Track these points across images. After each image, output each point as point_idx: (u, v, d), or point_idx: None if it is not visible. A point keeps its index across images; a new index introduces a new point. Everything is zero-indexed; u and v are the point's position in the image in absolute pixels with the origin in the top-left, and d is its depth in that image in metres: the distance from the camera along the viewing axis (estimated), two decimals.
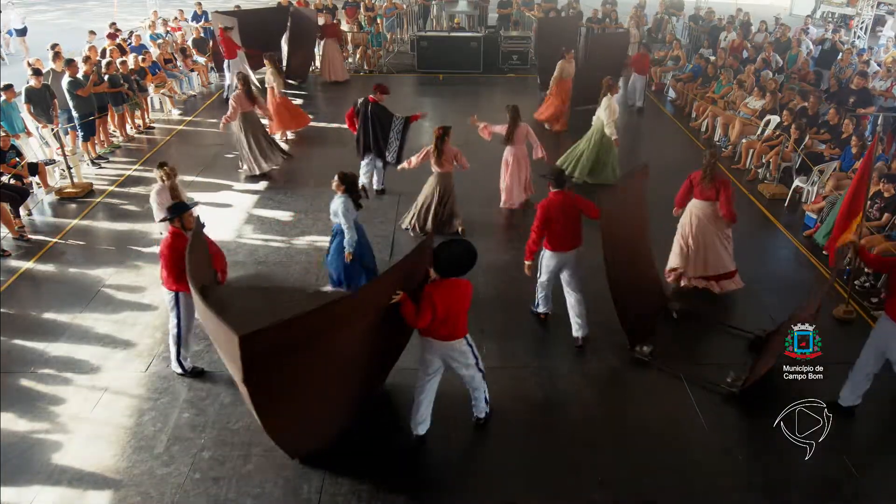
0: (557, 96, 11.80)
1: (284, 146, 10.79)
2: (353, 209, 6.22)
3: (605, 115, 9.07)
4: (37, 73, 9.46)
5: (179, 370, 5.75)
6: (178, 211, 5.37)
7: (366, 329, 4.57)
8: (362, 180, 8.78)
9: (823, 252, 7.80)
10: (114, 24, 13.94)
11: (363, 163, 9.07)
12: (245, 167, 9.77)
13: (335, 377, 4.68)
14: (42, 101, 9.46)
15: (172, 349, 5.69)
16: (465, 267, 4.67)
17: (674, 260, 7.06)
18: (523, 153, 8.60)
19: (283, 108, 11.09)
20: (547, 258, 6.12)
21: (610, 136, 9.15)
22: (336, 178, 6.21)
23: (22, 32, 16.59)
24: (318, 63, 15.43)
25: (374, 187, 9.22)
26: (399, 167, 8.43)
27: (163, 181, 6.71)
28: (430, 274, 4.72)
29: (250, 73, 13.29)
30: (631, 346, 6.07)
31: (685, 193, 6.84)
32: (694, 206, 6.83)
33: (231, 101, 9.45)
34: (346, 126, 12.12)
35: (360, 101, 8.94)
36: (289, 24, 14.52)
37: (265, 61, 11.14)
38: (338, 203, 6.19)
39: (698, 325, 6.58)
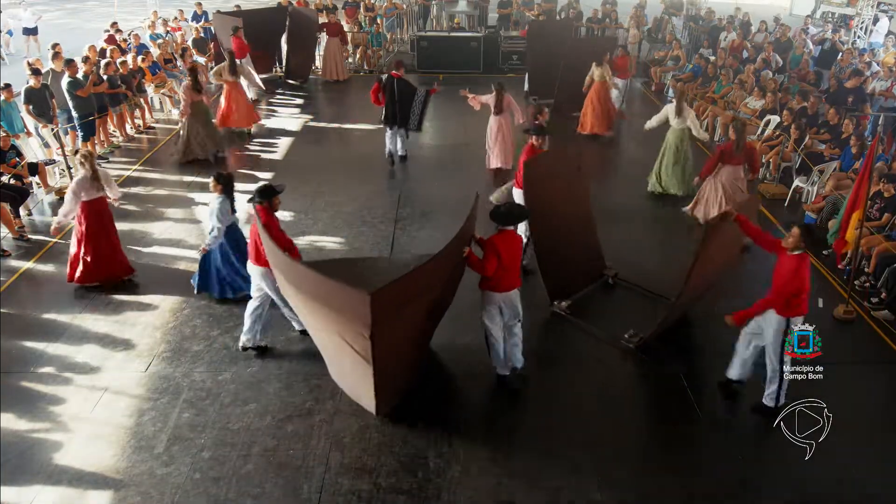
0: (596, 101, 11.54)
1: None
2: (229, 211, 6.27)
3: (693, 124, 9.19)
4: (35, 72, 9.46)
5: (298, 327, 6.09)
6: (268, 194, 5.63)
7: (438, 290, 5.14)
8: (388, 148, 10.30)
9: (824, 252, 7.80)
10: (115, 23, 13.94)
11: (388, 133, 10.18)
12: (177, 152, 10.34)
13: (417, 334, 5.33)
14: (42, 101, 9.47)
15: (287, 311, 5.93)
16: (519, 217, 5.41)
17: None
18: (507, 121, 9.77)
19: (232, 103, 11.25)
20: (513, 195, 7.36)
21: (699, 137, 9.35)
22: (212, 179, 6.29)
23: (33, 31, 16.62)
24: (318, 63, 15.44)
25: (399, 153, 10.34)
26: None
27: (82, 165, 6.70)
28: (476, 235, 5.35)
29: (254, 73, 13.34)
30: (550, 301, 6.60)
31: (713, 166, 8.11)
32: (724, 173, 8.08)
33: (182, 93, 10.26)
34: (346, 125, 12.26)
35: (385, 77, 9.93)
36: (287, 24, 14.54)
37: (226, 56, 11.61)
38: (214, 204, 6.23)
39: (630, 292, 7.11)
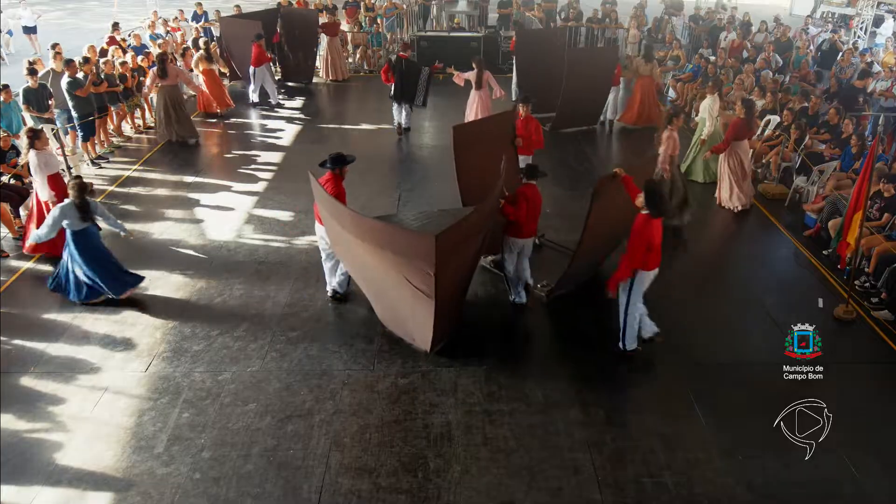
0: (638, 94, 12.10)
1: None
2: (72, 214, 6.31)
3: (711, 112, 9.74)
4: (32, 72, 9.46)
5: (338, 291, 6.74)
6: (340, 163, 6.20)
7: (478, 239, 5.90)
8: (396, 120, 11.55)
9: (824, 252, 7.81)
10: (116, 24, 13.90)
11: (395, 107, 11.47)
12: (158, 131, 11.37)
13: (463, 277, 6.05)
14: (40, 100, 9.47)
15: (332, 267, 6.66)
16: (541, 173, 6.33)
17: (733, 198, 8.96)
18: (486, 95, 10.80)
19: (210, 88, 12.39)
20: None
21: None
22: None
23: (33, 30, 16.68)
24: (318, 63, 15.40)
25: (404, 125, 11.53)
26: None
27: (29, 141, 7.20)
28: (505, 192, 6.22)
29: (271, 81, 13.22)
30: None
31: (728, 142, 8.75)
32: (738, 147, 8.78)
33: (148, 79, 11.10)
34: (346, 126, 12.39)
35: (394, 58, 11.30)
36: (279, 25, 14.45)
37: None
38: (56, 208, 6.33)
39: (556, 252, 7.64)
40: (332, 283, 6.74)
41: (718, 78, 10.74)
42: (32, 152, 7.24)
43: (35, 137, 7.26)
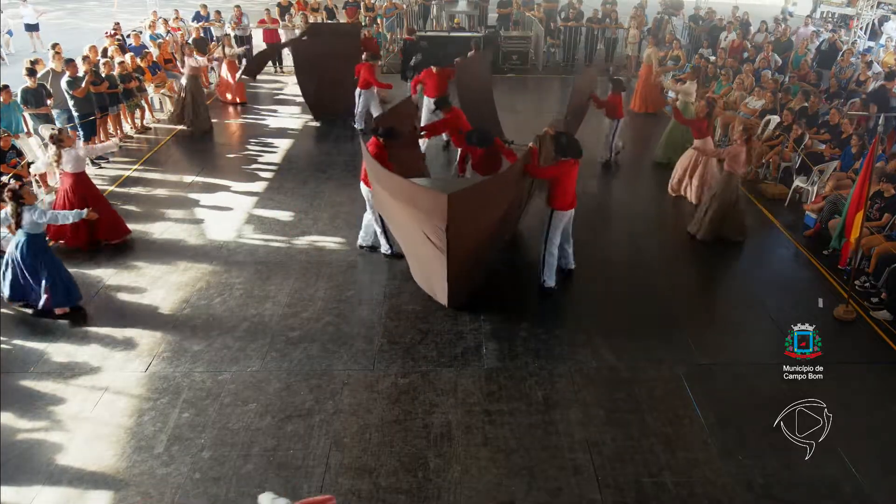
0: (641, 80, 13.15)
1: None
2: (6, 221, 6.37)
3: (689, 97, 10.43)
4: (31, 73, 9.45)
5: (388, 250, 7.50)
6: (391, 136, 6.99)
7: (505, 205, 6.35)
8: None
9: (825, 252, 7.81)
10: (117, 24, 13.89)
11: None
12: (177, 118, 11.85)
13: (486, 238, 6.41)
14: (39, 99, 9.47)
15: (379, 230, 7.40)
16: (578, 150, 6.53)
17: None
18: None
19: (227, 81, 13.41)
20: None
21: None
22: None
23: (35, 28, 16.73)
24: None
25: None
26: None
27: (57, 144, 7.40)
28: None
29: (377, 106, 11.60)
30: None
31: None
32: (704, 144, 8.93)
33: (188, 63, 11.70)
34: (345, 126, 12.33)
35: (404, 42, 13.44)
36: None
37: (211, 45, 14.00)
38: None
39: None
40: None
41: (698, 67, 11.51)
42: (67, 150, 7.38)
43: (60, 138, 7.39)
